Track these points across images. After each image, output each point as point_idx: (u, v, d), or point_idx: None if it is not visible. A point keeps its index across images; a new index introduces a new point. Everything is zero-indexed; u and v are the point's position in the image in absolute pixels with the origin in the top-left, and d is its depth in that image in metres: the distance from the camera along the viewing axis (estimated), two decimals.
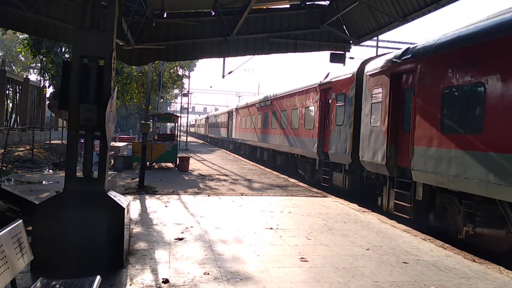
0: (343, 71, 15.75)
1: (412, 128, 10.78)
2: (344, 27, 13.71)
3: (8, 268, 3.62)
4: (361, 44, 16.06)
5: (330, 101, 16.61)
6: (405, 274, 6.70)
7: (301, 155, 20.19)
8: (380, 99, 12.38)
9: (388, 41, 32.89)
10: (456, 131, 9.23)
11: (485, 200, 8.49)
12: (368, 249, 8.02)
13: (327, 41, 13.85)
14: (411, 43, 23.55)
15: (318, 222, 10.22)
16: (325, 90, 17.28)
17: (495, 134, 8.16)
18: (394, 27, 11.76)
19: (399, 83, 11.79)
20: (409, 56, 11.14)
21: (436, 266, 7.20)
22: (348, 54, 15.34)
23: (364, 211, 12.03)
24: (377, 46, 30.07)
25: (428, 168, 9.92)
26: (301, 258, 7.28)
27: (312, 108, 18.62)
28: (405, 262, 7.30)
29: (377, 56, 13.63)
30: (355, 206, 12.90)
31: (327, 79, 16.99)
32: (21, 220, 4.21)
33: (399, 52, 12.15)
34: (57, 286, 4.16)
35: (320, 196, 14.55)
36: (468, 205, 8.92)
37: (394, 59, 11.88)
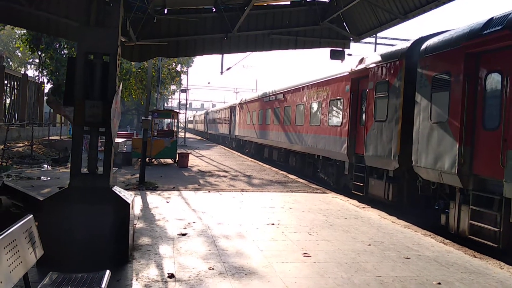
0: (385, 54, 13.23)
1: (504, 126, 8.31)
2: (344, 24, 13.74)
3: (21, 262, 3.67)
4: (361, 41, 16.06)
5: (366, 92, 14.03)
6: (407, 269, 6.77)
7: (324, 157, 17.44)
8: (447, 87, 9.80)
9: (386, 38, 32.93)
10: None
11: None
12: (369, 245, 8.09)
13: (327, 37, 13.88)
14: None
15: (319, 218, 10.28)
16: (358, 79, 14.71)
17: None
18: (395, 24, 11.81)
19: (477, 65, 9.17)
20: (499, 28, 8.51)
21: (438, 261, 7.28)
22: (346, 51, 15.27)
23: (364, 207, 12.11)
24: (376, 43, 30.16)
25: None
26: (304, 253, 7.34)
27: (339, 101, 15.87)
28: (407, 258, 7.37)
29: (437, 33, 11.17)
30: (355, 202, 12.98)
31: (362, 65, 14.29)
32: (31, 215, 4.26)
33: (475, 24, 9.39)
34: (67, 280, 4.21)
35: (320, 192, 14.62)
36: None
37: (470, 34, 9.32)
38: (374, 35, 28.47)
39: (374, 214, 11.17)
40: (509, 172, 7.92)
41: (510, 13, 8.46)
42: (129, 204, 6.46)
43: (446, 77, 9.89)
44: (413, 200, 11.81)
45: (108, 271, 4.39)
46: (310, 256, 7.20)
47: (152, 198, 12.09)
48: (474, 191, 8.97)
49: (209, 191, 13.75)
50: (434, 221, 10.65)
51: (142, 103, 35.14)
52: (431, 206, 11.43)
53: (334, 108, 16.45)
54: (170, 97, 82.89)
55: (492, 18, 8.97)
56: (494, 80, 8.78)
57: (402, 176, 11.99)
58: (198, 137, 71.82)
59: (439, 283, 6.17)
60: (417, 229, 9.71)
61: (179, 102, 56.11)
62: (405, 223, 10.28)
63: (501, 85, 8.49)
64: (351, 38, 13.90)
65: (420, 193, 11.21)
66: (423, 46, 10.95)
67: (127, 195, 6.81)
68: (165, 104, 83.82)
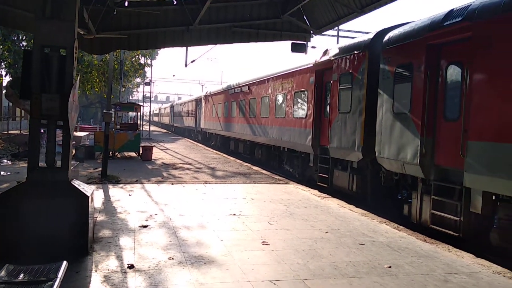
0: (348, 46, 13.18)
1: (464, 116, 8.33)
2: (304, 17, 13.96)
3: None
4: (322, 33, 16.29)
5: (330, 84, 13.95)
6: (361, 254, 7.08)
7: (289, 149, 17.45)
8: (409, 79, 9.87)
9: (349, 31, 33.46)
10: None
11: None
12: (327, 232, 8.38)
13: (288, 31, 14.08)
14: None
15: (280, 208, 10.52)
16: (322, 70, 14.70)
17: None
18: (353, 18, 12.10)
19: (438, 57, 9.29)
20: (458, 19, 8.57)
21: (390, 246, 7.63)
22: (310, 43, 15.52)
23: (324, 197, 12.44)
24: (338, 36, 30.66)
25: (497, 171, 7.47)
26: (263, 242, 7.55)
27: (304, 92, 15.82)
28: (362, 244, 7.69)
29: (399, 25, 11.28)
30: (316, 192, 13.30)
31: (326, 57, 14.21)
32: None
33: (436, 16, 9.44)
34: (23, 271, 4.26)
35: (282, 183, 14.89)
36: None
37: (431, 25, 9.36)
38: (336, 28, 28.98)
39: (333, 203, 11.50)
40: (469, 162, 8.02)
41: (470, 5, 8.54)
42: (88, 197, 6.50)
43: (408, 69, 9.94)
44: (376, 190, 11.93)
45: (65, 262, 4.46)
46: (269, 244, 7.41)
47: (114, 191, 12.06)
48: (436, 181, 9.10)
49: (172, 184, 13.80)
50: (396, 211, 10.86)
51: (105, 96, 34.62)
52: (394, 197, 11.66)
53: (299, 100, 16.41)
54: (135, 90, 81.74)
55: (453, 9, 9.06)
56: (454, 72, 8.92)
57: (366, 167, 12.13)
58: (164, 130, 71.23)
59: (390, 267, 6.50)
60: (373, 216, 10.09)
61: (143, 95, 55.47)
62: (362, 211, 10.64)
63: (461, 76, 8.62)
64: (311, 32, 14.15)
65: (383, 184, 11.29)
66: (386, 38, 11.02)
67: (86, 188, 6.84)
68: (130, 97, 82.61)
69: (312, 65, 15.36)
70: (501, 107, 7.49)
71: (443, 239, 8.47)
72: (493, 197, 7.89)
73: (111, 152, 20.33)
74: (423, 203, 9.52)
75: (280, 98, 18.63)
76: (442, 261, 6.95)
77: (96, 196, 9.89)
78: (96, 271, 5.87)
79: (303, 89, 16.08)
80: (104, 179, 13.87)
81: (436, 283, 5.91)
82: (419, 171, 9.38)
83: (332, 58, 13.70)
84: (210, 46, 20.57)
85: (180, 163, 20.30)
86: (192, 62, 30.95)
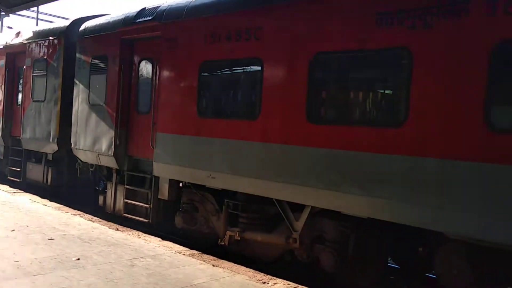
0: (43, 30, 12.40)
1: (153, 110, 8.82)
2: None
3: None
4: (19, 14, 14.93)
5: (23, 69, 13.00)
6: (49, 250, 6.85)
7: None
8: (105, 71, 9.90)
9: (52, 15, 31.57)
10: (224, 116, 7.61)
11: (255, 199, 7.16)
12: (13, 230, 7.80)
13: None
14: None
15: None
16: (15, 54, 13.60)
17: (274, 121, 6.72)
18: (49, 1, 11.53)
19: (132, 52, 9.61)
20: (149, 18, 8.95)
21: (81, 238, 7.63)
22: (6, 23, 13.99)
23: (15, 192, 11.62)
24: (37, 19, 28.53)
25: (180, 161, 8.14)
26: None
27: None
28: (51, 239, 7.44)
29: (94, 16, 11.14)
30: (6, 187, 12.31)
31: (19, 40, 13.18)
32: None
33: (131, 12, 9.64)
34: None
35: None
36: (233, 204, 7.51)
37: (125, 21, 9.56)
38: (36, 10, 26.87)
39: (25, 199, 10.83)
40: (157, 153, 8.46)
41: (160, 6, 8.90)
42: None
43: (104, 61, 9.97)
44: (73, 183, 11.76)
45: None
46: None
47: None
48: (129, 171, 9.49)
49: None
50: (93, 203, 10.84)
51: None
52: (91, 188, 11.60)
53: None
54: None
55: (145, 8, 9.34)
56: (146, 68, 9.28)
57: (62, 159, 11.77)
58: None
59: (78, 259, 6.50)
60: (68, 209, 9.92)
61: None
62: (57, 205, 10.33)
63: (151, 72, 9.03)
64: (1, 10, 12.79)
65: (80, 176, 11.19)
66: (82, 27, 10.79)
67: None
68: None
69: (2, 47, 13.96)
70: (181, 103, 8.19)
71: (137, 226, 8.95)
72: (180, 184, 8.66)
73: None
74: (117, 193, 9.78)
75: None
76: (131, 247, 7.36)
77: None
78: None
79: None
80: None
81: (122, 269, 6.23)
82: (113, 162, 9.59)
83: (26, 42, 12.76)
84: None
85: None
86: None
